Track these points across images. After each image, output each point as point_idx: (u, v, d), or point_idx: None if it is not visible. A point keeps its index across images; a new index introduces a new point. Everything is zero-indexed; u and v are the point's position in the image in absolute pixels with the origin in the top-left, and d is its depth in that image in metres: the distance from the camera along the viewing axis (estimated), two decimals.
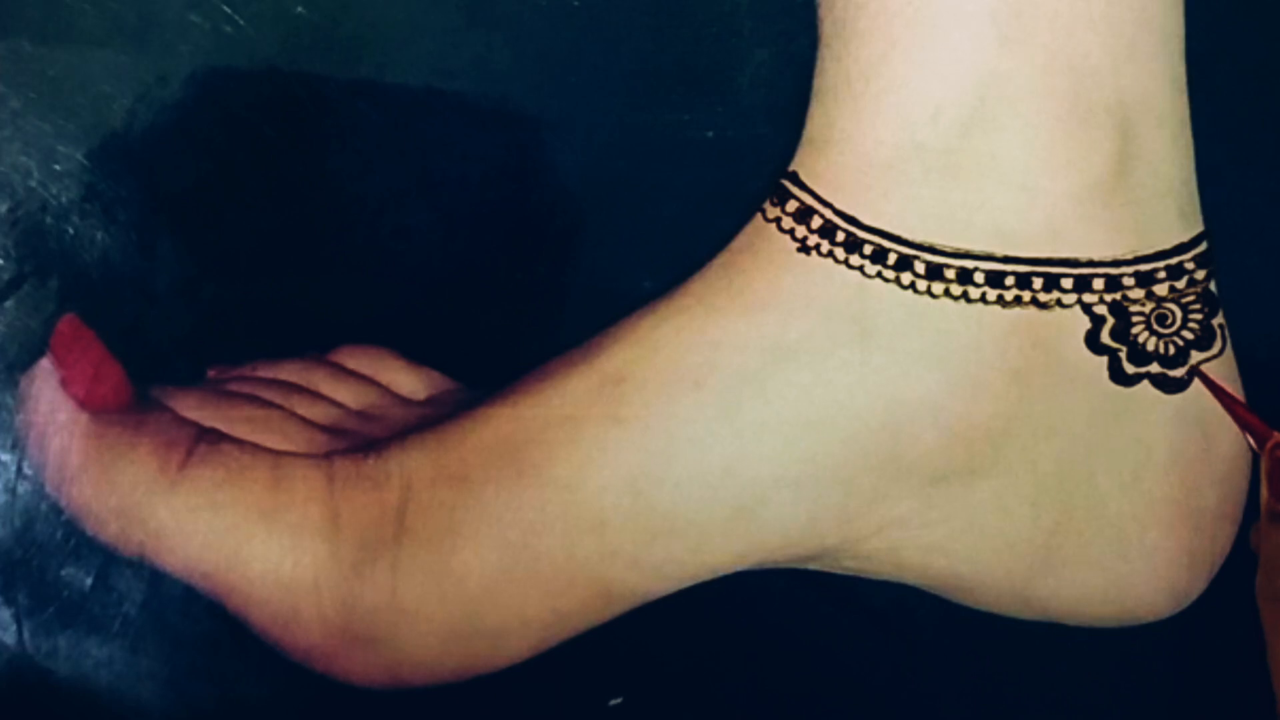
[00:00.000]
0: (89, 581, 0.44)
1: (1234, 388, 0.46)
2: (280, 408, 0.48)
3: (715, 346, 0.44)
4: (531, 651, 0.44)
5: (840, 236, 0.43)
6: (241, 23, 0.47)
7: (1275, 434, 0.40)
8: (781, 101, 0.47)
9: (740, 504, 0.43)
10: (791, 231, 0.44)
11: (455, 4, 0.49)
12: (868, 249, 0.43)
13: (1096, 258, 0.43)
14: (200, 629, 0.44)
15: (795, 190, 0.44)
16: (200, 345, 0.50)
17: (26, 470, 0.43)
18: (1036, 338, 0.43)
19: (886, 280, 0.43)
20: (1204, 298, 0.44)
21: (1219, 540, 0.46)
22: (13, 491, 0.43)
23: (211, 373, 0.50)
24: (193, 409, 0.46)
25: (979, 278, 0.43)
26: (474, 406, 0.45)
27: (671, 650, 0.48)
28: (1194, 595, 0.46)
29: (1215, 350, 0.45)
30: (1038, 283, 0.43)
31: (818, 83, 0.44)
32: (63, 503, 0.43)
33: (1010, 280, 0.43)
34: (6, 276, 0.46)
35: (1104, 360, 0.44)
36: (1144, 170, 0.44)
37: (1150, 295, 0.44)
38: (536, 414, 0.44)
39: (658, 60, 0.49)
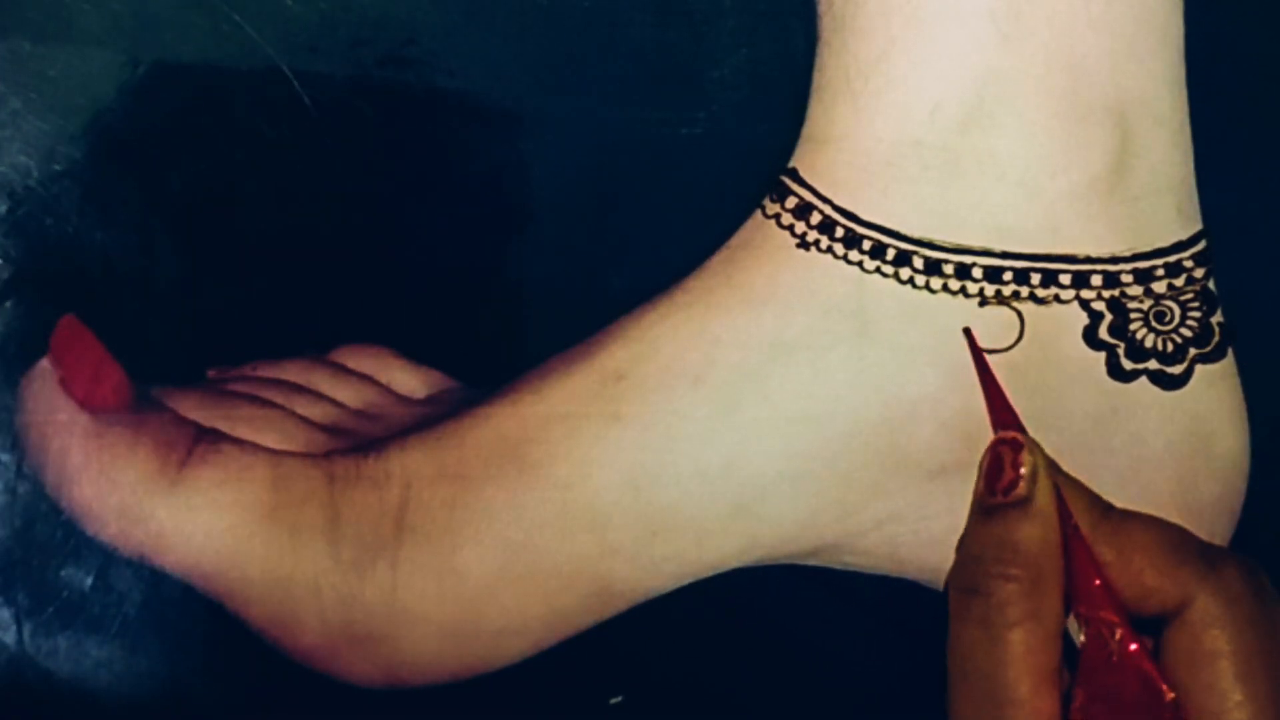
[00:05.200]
0: (89, 581, 0.44)
1: (1233, 386, 0.46)
2: (280, 408, 0.48)
3: (715, 343, 0.44)
4: (532, 650, 0.44)
5: (839, 232, 0.43)
6: (241, 22, 0.47)
7: (1007, 433, 0.41)
8: (780, 99, 0.47)
9: (740, 500, 0.43)
10: (791, 227, 0.44)
11: (455, 4, 0.49)
12: (866, 245, 0.43)
13: (1095, 254, 0.43)
14: (200, 629, 0.44)
15: (794, 186, 0.44)
16: (200, 345, 0.50)
17: (26, 470, 0.43)
18: (1034, 333, 0.43)
19: (885, 276, 0.43)
20: (1202, 296, 0.45)
21: (1217, 537, 0.46)
22: (13, 491, 0.43)
23: (211, 373, 0.50)
24: (193, 409, 0.46)
25: (977, 273, 0.43)
26: (474, 405, 0.45)
27: (671, 649, 0.48)
28: None
29: (1214, 348, 0.45)
30: (1035, 279, 0.43)
31: (817, 80, 0.45)
32: (63, 503, 0.43)
33: (1008, 276, 0.43)
34: (6, 276, 0.46)
35: (1102, 356, 0.44)
36: (1143, 168, 0.44)
37: (1149, 292, 0.44)
38: (536, 412, 0.44)
39: (657, 58, 0.49)
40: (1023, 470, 0.40)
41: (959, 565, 0.40)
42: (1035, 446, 0.40)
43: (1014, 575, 0.38)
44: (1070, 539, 0.39)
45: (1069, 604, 0.39)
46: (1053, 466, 0.41)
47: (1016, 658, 0.38)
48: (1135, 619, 0.39)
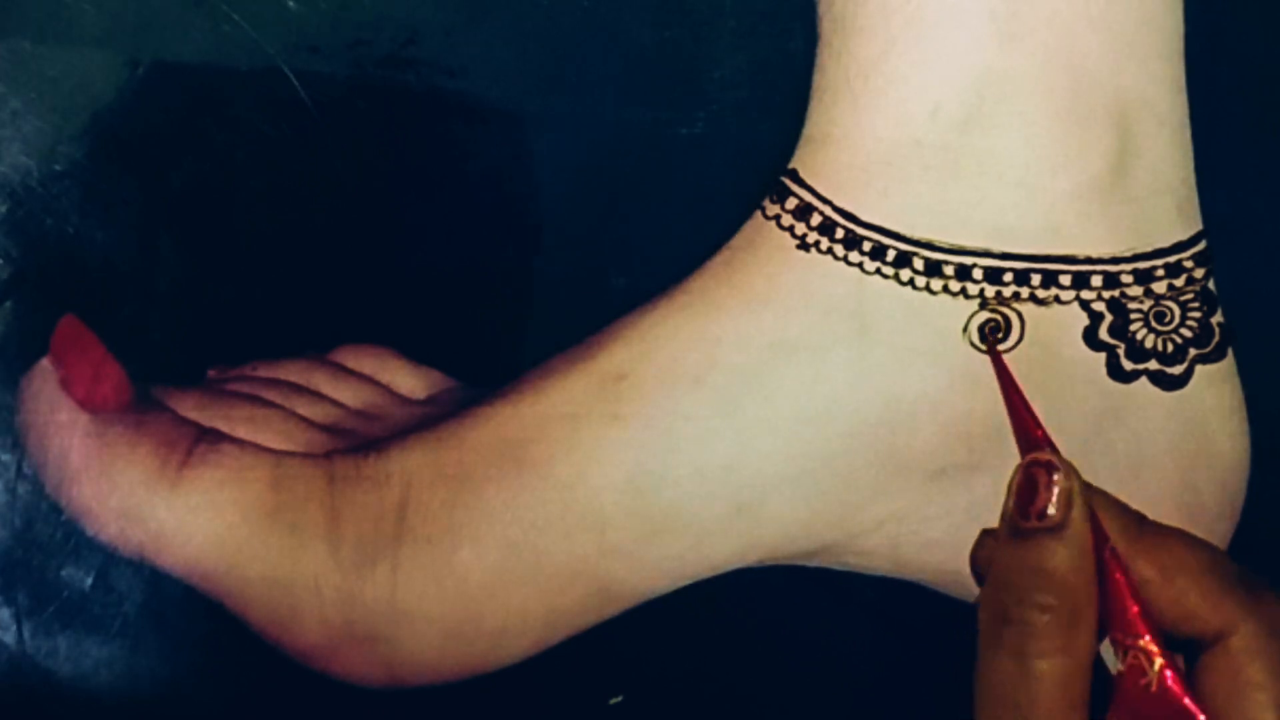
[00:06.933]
0: (89, 581, 0.44)
1: (1233, 386, 0.46)
2: (280, 408, 0.48)
3: (715, 343, 0.44)
4: (531, 651, 0.45)
5: (839, 233, 0.43)
6: (241, 22, 0.47)
7: (1041, 454, 0.39)
8: (780, 99, 0.47)
9: (740, 501, 0.43)
10: (791, 229, 0.44)
11: (455, 4, 0.49)
12: (866, 246, 0.43)
13: (1095, 255, 0.43)
14: (200, 629, 0.44)
15: (795, 187, 0.44)
16: (200, 345, 0.50)
17: (26, 470, 0.43)
18: (1034, 334, 0.43)
19: (885, 277, 0.43)
20: (1202, 296, 0.45)
21: (1216, 539, 0.46)
22: (13, 491, 0.44)
23: (211, 373, 0.50)
24: (193, 409, 0.46)
25: (977, 274, 0.43)
26: (474, 405, 0.45)
27: (671, 649, 0.48)
28: None
29: (1214, 348, 0.45)
30: (1036, 279, 0.43)
31: (817, 80, 0.45)
32: (63, 503, 0.43)
33: (1008, 276, 0.43)
34: (6, 276, 0.46)
35: (1102, 356, 0.44)
36: (1143, 169, 0.44)
37: (1149, 293, 0.44)
38: (537, 412, 0.44)
39: (657, 58, 0.49)
40: (1056, 493, 0.39)
41: (990, 590, 0.39)
42: (1070, 469, 0.39)
43: (1048, 605, 0.37)
44: (1107, 563, 0.38)
45: (1103, 629, 0.38)
46: (1087, 486, 0.40)
47: (1047, 688, 0.37)
48: (1165, 639, 0.38)
